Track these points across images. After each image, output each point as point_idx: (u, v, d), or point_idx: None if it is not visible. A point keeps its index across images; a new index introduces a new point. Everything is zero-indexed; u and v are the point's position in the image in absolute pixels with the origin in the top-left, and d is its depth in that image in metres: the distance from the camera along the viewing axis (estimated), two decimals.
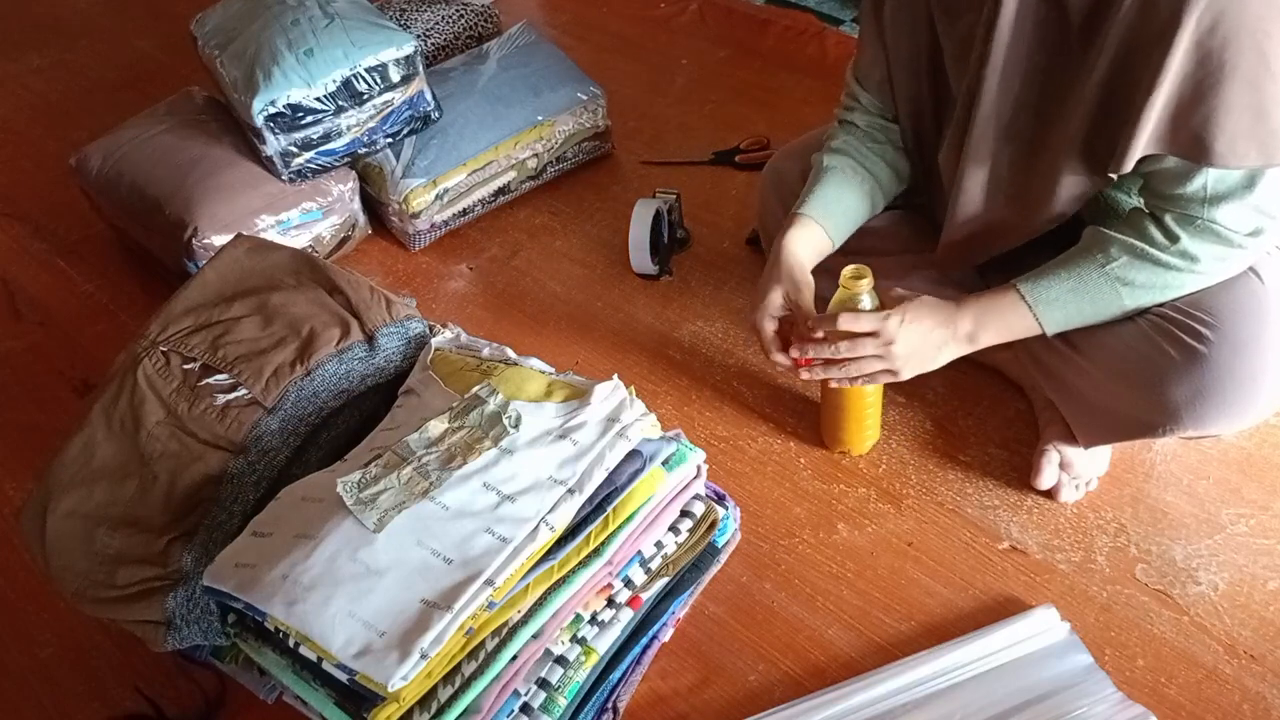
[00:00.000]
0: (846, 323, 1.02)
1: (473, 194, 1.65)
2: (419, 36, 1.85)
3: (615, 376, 1.00)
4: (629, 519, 0.95)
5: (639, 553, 0.99)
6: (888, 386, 1.22)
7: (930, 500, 1.18)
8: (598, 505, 0.93)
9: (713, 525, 1.06)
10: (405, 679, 0.79)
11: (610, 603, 0.98)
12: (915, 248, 1.27)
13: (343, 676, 0.82)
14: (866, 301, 1.05)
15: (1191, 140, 0.88)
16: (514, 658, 0.88)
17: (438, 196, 1.60)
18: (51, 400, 1.49)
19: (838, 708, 0.98)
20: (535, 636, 0.90)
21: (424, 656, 0.80)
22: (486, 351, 1.09)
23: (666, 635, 1.06)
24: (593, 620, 0.97)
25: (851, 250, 1.19)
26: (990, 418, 1.26)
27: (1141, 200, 1.01)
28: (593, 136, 1.74)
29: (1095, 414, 1.08)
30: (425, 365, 1.07)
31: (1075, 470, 1.13)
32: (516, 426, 0.94)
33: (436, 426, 0.95)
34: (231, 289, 1.16)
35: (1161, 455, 1.19)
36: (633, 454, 0.96)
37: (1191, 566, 1.08)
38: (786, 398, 1.32)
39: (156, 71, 2.27)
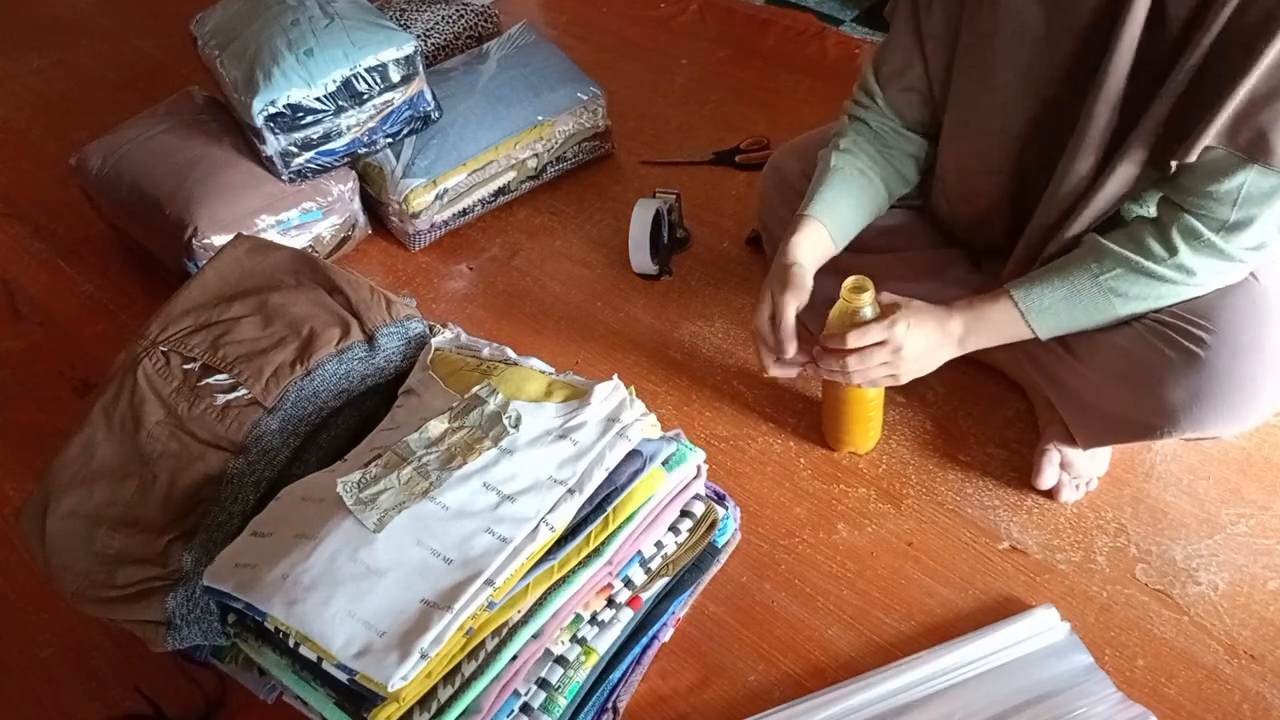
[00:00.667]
0: (855, 341, 1.02)
1: (473, 194, 1.65)
2: (419, 36, 1.85)
3: (615, 377, 1.00)
4: (629, 519, 0.95)
5: (639, 553, 0.99)
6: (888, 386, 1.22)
7: (930, 500, 1.18)
8: (598, 505, 0.93)
9: (713, 525, 1.06)
10: (405, 679, 0.79)
11: (610, 603, 0.98)
12: (914, 246, 1.27)
13: (343, 676, 0.82)
14: (868, 313, 1.05)
15: (1255, 137, 0.87)
16: (514, 658, 0.88)
17: (438, 196, 1.60)
18: (51, 400, 1.49)
19: (838, 708, 0.98)
20: (535, 636, 0.90)
21: (424, 656, 0.80)
22: (486, 351, 1.09)
23: (666, 635, 1.06)
24: (593, 620, 0.97)
25: (853, 248, 1.19)
26: (990, 418, 1.26)
27: (1150, 209, 1.00)
28: (593, 136, 1.74)
29: (1093, 416, 1.08)
30: (425, 365, 1.07)
31: (1076, 470, 1.13)
32: (516, 426, 0.94)
33: (436, 426, 0.95)
34: (231, 289, 1.16)
35: (1161, 455, 1.19)
36: (633, 454, 0.96)
37: (1191, 566, 1.08)
38: (786, 398, 1.32)
39: (156, 71, 2.27)
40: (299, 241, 1.56)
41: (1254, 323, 0.96)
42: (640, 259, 1.49)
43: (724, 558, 1.12)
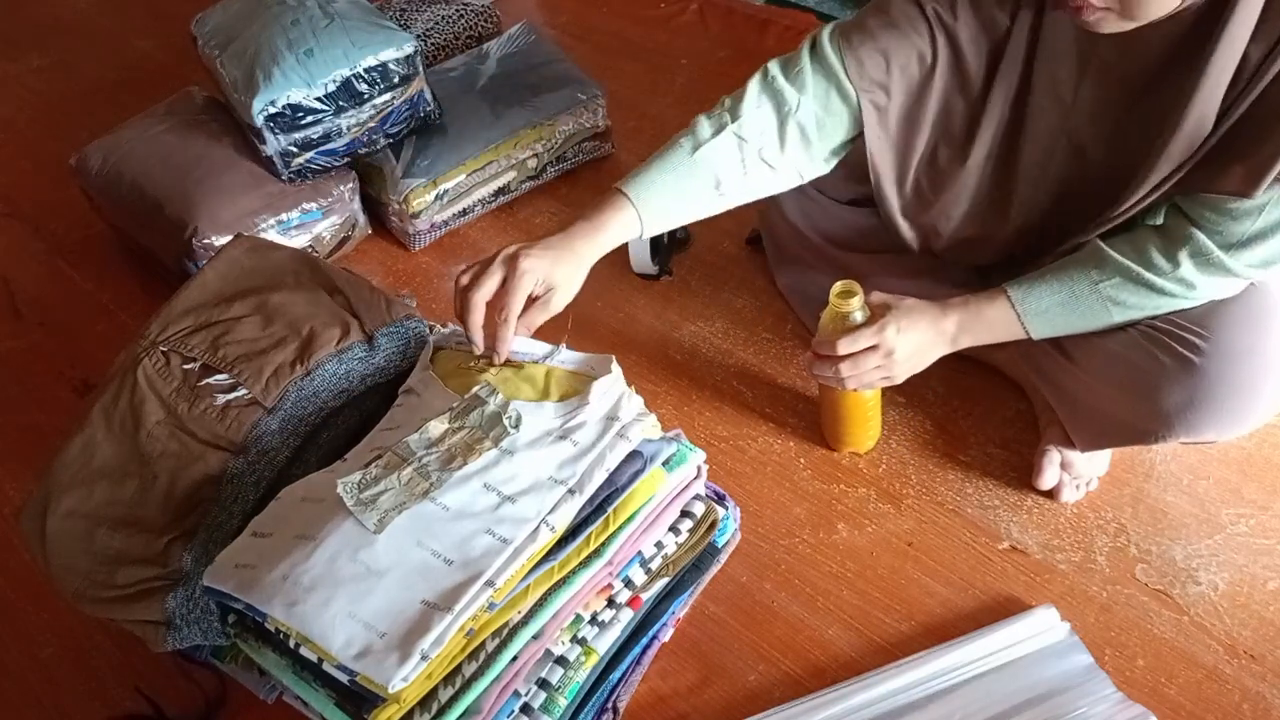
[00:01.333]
0: (846, 348, 1.02)
1: (473, 194, 1.65)
2: (419, 36, 1.85)
3: (613, 358, 0.99)
4: (629, 519, 0.95)
5: (639, 553, 0.99)
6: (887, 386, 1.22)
7: (930, 500, 1.18)
8: (598, 506, 0.93)
9: (713, 525, 1.06)
10: (406, 680, 0.79)
11: (610, 603, 0.98)
12: (900, 246, 1.27)
13: (343, 677, 0.82)
14: (859, 317, 1.05)
15: None
16: (514, 658, 0.88)
17: (438, 196, 1.60)
18: (51, 400, 1.49)
19: (838, 708, 0.98)
20: (535, 637, 0.90)
21: (424, 657, 0.80)
22: None
23: (666, 635, 1.06)
24: (593, 620, 0.97)
25: (844, 247, 1.18)
26: (990, 418, 1.26)
27: (1158, 217, 0.98)
28: (593, 136, 1.74)
29: (1090, 419, 1.08)
30: (425, 365, 1.07)
31: (1076, 470, 1.13)
32: (516, 427, 0.94)
33: (437, 427, 0.95)
34: (231, 289, 1.16)
35: (1161, 455, 1.19)
36: (633, 454, 0.96)
37: (1191, 566, 1.08)
38: (786, 398, 1.32)
39: (156, 71, 2.27)
40: (299, 241, 1.56)
41: (1250, 328, 0.95)
42: (640, 259, 1.49)
43: (724, 558, 1.12)
